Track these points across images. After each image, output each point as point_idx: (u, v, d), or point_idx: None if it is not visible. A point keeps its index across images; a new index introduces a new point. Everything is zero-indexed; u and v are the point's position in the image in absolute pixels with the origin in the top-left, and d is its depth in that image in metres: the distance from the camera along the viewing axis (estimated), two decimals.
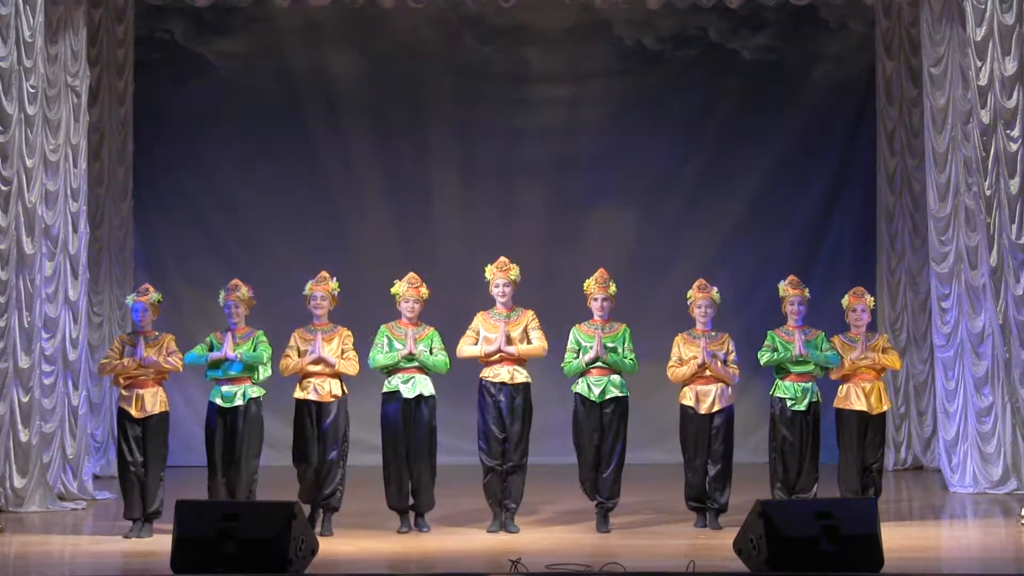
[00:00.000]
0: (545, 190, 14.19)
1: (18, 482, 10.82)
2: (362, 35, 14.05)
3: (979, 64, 10.81)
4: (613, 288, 9.92)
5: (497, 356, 9.80)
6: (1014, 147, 10.67)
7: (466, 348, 9.88)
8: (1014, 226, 10.70)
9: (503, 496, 9.79)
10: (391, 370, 9.81)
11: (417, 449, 9.77)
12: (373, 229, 14.15)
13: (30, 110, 10.90)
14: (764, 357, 9.96)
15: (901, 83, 13.20)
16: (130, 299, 9.93)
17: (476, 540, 9.53)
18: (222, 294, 9.89)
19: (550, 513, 10.53)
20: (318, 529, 9.51)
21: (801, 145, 14.11)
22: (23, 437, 10.85)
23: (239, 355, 9.67)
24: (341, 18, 13.71)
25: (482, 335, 9.85)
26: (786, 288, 10.05)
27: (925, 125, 12.28)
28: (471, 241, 13.90)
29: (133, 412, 9.63)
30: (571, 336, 9.93)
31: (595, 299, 9.91)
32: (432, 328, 9.91)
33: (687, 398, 9.88)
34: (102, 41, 12.79)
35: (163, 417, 9.73)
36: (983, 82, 10.79)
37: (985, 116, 10.79)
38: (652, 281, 13.82)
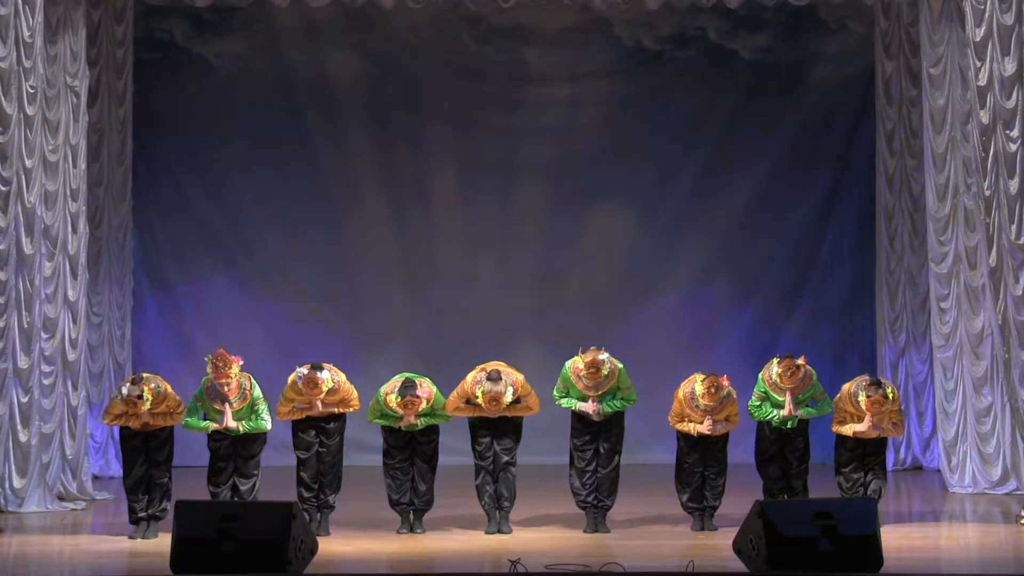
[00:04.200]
0: (544, 190, 14.18)
1: (17, 482, 10.81)
2: (361, 35, 14.03)
3: (978, 64, 10.81)
4: (606, 370, 9.69)
5: None
6: (1013, 147, 10.66)
7: (457, 410, 9.81)
8: (1013, 226, 10.69)
9: (496, 496, 9.79)
10: None
11: (419, 450, 9.80)
12: (372, 229, 14.14)
13: (29, 110, 10.89)
14: (755, 413, 9.86)
15: (900, 83, 13.19)
16: (126, 388, 9.71)
17: (475, 541, 9.54)
18: (209, 370, 9.62)
19: (546, 513, 10.52)
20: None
21: (800, 145, 14.10)
22: (22, 437, 10.85)
23: (240, 426, 9.65)
24: (340, 18, 13.69)
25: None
26: (779, 377, 9.74)
27: (924, 125, 12.28)
28: (470, 241, 13.91)
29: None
30: (563, 374, 9.80)
31: (579, 377, 9.73)
32: (433, 395, 9.77)
33: (685, 428, 9.83)
34: (101, 41, 12.77)
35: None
36: (982, 82, 10.79)
37: (984, 116, 10.78)
38: (652, 281, 13.82)
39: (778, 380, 9.76)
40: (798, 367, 9.71)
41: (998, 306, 10.99)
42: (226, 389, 9.58)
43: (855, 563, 7.82)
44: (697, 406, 9.70)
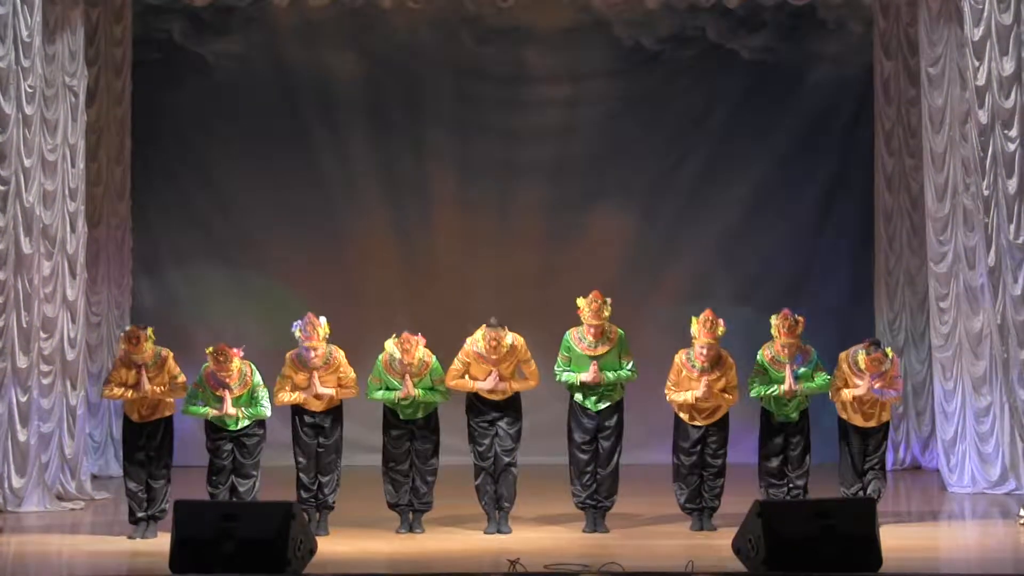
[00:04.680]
0: (543, 190, 14.18)
1: (16, 482, 10.81)
2: (360, 35, 14.04)
3: (977, 64, 10.81)
4: (607, 312, 9.80)
5: None
6: (1012, 147, 10.66)
7: (456, 383, 9.84)
8: (1012, 226, 10.70)
9: (496, 497, 9.79)
10: None
11: (418, 451, 9.80)
12: (371, 229, 14.14)
13: (28, 110, 10.89)
14: (754, 390, 9.85)
15: (899, 83, 13.20)
16: (122, 343, 9.76)
17: (474, 540, 9.54)
18: (210, 363, 9.64)
19: (546, 513, 10.52)
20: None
21: (799, 145, 14.10)
22: (21, 437, 10.84)
23: (240, 412, 9.65)
24: (339, 18, 13.70)
25: (469, 378, 9.81)
26: (776, 327, 9.79)
27: (923, 125, 12.28)
28: (469, 241, 13.90)
29: (136, 417, 9.65)
30: (564, 342, 9.85)
31: (589, 326, 9.82)
32: (431, 360, 9.84)
33: (682, 411, 9.84)
34: (100, 41, 12.78)
35: (168, 420, 9.74)
36: (981, 82, 10.79)
37: (983, 116, 10.78)
38: (651, 281, 13.82)
39: (776, 333, 9.77)
40: (797, 321, 9.75)
41: (997, 306, 10.99)
42: (227, 380, 9.60)
43: (854, 563, 7.82)
44: (694, 366, 9.73)
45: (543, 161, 14.17)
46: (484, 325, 9.82)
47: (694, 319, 9.80)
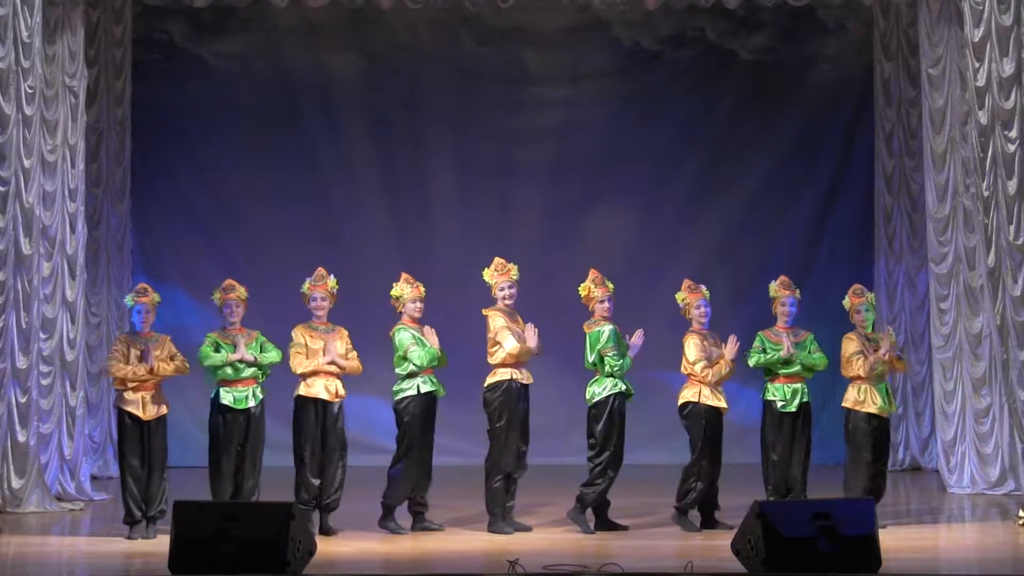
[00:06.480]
0: (543, 191, 14.20)
1: (16, 483, 10.81)
2: (360, 36, 14.06)
3: (977, 65, 10.81)
4: (611, 284, 9.90)
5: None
6: (1012, 148, 10.66)
7: (518, 346, 9.70)
8: (1012, 227, 10.68)
9: (506, 499, 9.79)
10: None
11: (418, 449, 9.81)
12: (371, 229, 14.16)
13: (28, 110, 10.89)
14: (752, 359, 9.92)
15: (899, 84, 13.21)
16: (129, 300, 9.89)
17: (474, 541, 9.54)
18: (218, 294, 9.87)
19: (547, 514, 10.52)
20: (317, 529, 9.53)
21: (799, 146, 14.12)
22: (21, 438, 10.84)
23: (256, 357, 9.68)
24: (339, 19, 13.71)
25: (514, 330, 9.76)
26: (777, 289, 10.01)
27: (923, 126, 12.29)
28: (469, 241, 13.90)
29: (132, 414, 9.64)
30: (611, 333, 9.74)
31: (600, 301, 9.84)
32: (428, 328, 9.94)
33: (716, 399, 9.83)
34: (100, 42, 12.79)
35: (163, 419, 9.73)
36: (981, 83, 10.78)
37: (983, 117, 10.78)
38: (650, 282, 13.80)
39: (776, 292, 9.97)
40: (791, 284, 10.03)
41: (996, 307, 10.98)
42: (233, 319, 9.73)
43: (854, 564, 7.81)
44: (706, 338, 9.85)
45: (543, 161, 14.19)
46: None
47: (681, 295, 9.97)
